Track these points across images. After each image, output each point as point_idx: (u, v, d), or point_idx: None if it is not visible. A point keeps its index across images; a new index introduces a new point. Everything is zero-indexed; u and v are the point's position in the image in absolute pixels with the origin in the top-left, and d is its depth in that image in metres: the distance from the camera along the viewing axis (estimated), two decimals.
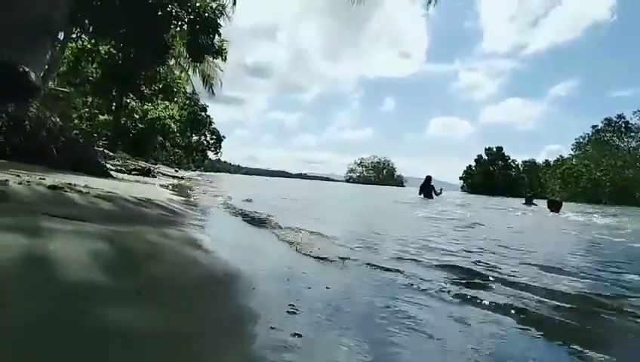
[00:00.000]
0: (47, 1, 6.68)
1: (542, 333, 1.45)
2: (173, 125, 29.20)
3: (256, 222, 4.10)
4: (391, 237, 3.83)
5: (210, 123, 50.32)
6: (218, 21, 14.58)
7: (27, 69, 6.02)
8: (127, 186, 5.58)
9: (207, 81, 19.82)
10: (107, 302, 1.22)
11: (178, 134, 34.26)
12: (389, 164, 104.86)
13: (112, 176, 6.87)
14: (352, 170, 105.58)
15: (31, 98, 6.11)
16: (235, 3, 15.00)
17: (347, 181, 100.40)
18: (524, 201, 15.51)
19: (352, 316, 1.53)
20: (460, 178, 72.75)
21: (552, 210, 11.92)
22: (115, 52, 17.37)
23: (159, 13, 12.85)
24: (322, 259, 2.46)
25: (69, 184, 3.59)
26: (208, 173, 39.60)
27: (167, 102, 26.81)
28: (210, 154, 54.14)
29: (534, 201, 15.12)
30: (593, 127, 54.35)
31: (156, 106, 26.66)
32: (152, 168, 12.93)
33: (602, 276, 2.51)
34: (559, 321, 1.58)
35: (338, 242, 3.19)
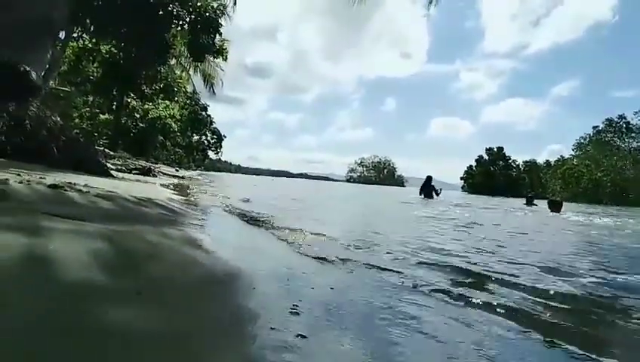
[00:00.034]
0: (47, 1, 6.69)
1: (542, 335, 1.45)
2: (173, 125, 29.23)
3: (257, 222, 4.10)
4: (391, 238, 3.83)
5: (211, 122, 50.39)
6: (219, 21, 14.60)
7: (28, 69, 6.02)
8: (127, 186, 5.58)
9: (207, 80, 19.84)
10: (107, 301, 1.21)
11: (179, 134, 34.29)
12: (389, 164, 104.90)
13: (112, 176, 6.87)
14: (352, 170, 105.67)
15: (32, 97, 6.12)
16: (235, 3, 15.02)
17: (348, 181, 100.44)
18: (524, 202, 15.50)
19: (352, 316, 1.53)
20: (461, 178, 72.78)
21: (552, 210, 11.93)
22: (116, 51, 17.39)
23: (160, 12, 12.86)
24: (322, 259, 2.45)
25: (70, 183, 3.59)
26: (209, 173, 39.60)
27: (167, 102, 26.83)
28: (211, 154, 54.22)
29: (535, 202, 15.11)
30: (594, 127, 54.38)
31: (157, 106, 26.68)
32: (152, 167, 12.94)
33: (602, 277, 2.51)
34: (559, 323, 1.58)
35: (338, 242, 3.19)
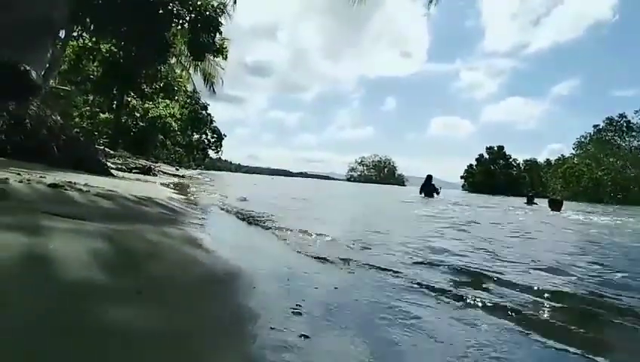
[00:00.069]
0: (47, 0, 6.68)
1: (542, 336, 1.44)
2: (174, 124, 29.20)
3: (257, 221, 4.09)
4: (392, 237, 3.83)
5: (211, 121, 50.33)
6: (219, 20, 14.56)
7: (28, 68, 6.02)
8: (127, 185, 5.58)
9: (208, 79, 19.80)
10: (107, 301, 1.21)
11: (179, 133, 34.26)
12: (390, 163, 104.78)
13: (112, 175, 6.87)
14: (352, 169, 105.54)
15: (32, 96, 6.11)
16: (235, 2, 14.98)
17: (348, 180, 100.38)
18: (525, 201, 15.50)
19: (353, 316, 1.53)
20: (461, 177, 72.71)
21: (552, 209, 11.95)
22: (116, 50, 17.37)
23: (160, 11, 12.84)
24: (322, 259, 2.45)
25: (70, 182, 3.59)
26: (209, 172, 39.58)
27: (168, 101, 26.81)
28: (211, 153, 54.17)
29: (535, 201, 15.11)
30: (595, 126, 54.31)
31: (157, 105, 26.65)
32: (152, 166, 12.93)
33: (602, 277, 2.51)
34: (559, 323, 1.58)
35: (338, 242, 3.18)
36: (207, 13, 14.18)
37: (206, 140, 51.54)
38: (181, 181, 12.01)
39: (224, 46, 16.53)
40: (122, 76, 17.86)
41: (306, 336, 1.22)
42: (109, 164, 8.58)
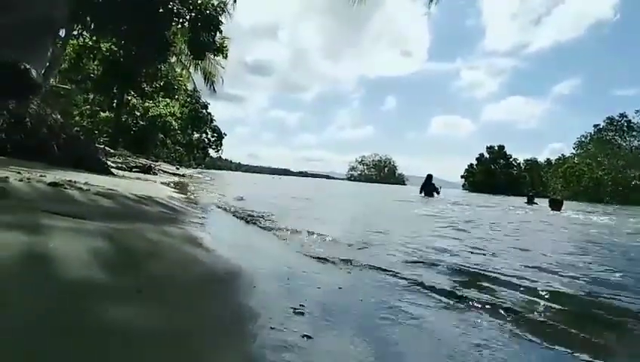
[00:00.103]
0: (47, 0, 6.67)
1: (542, 337, 1.44)
2: (174, 122, 29.21)
3: (257, 221, 4.09)
4: (392, 237, 3.83)
5: (212, 120, 50.27)
6: (219, 19, 14.54)
7: (28, 67, 6.02)
8: (127, 183, 5.58)
9: (208, 78, 19.78)
10: (107, 299, 1.21)
11: (179, 132, 34.26)
12: (390, 162, 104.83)
13: (112, 174, 6.88)
14: (353, 168, 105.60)
15: (32, 95, 6.11)
16: (235, 1, 14.97)
17: (348, 179, 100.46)
18: (525, 200, 15.51)
19: (352, 316, 1.53)
20: (462, 176, 72.74)
21: (553, 209, 11.98)
22: (116, 49, 17.36)
23: (161, 10, 12.81)
24: (322, 259, 2.45)
25: (70, 181, 3.59)
26: (209, 171, 39.59)
27: (168, 100, 26.80)
28: (211, 152, 54.15)
29: (536, 200, 15.12)
30: (595, 125, 54.32)
31: (157, 104, 26.65)
32: (152, 165, 12.95)
33: (602, 277, 2.50)
34: (558, 325, 1.57)
35: (338, 242, 3.18)
36: (208, 12, 14.16)
37: (206, 139, 51.55)
38: (181, 180, 12.02)
39: (224, 45, 16.51)
40: (122, 75, 17.86)
41: (309, 336, 1.22)
42: (109, 162, 8.58)
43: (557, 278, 2.35)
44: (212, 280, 1.76)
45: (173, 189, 6.96)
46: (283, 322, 1.31)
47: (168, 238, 2.35)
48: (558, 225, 6.98)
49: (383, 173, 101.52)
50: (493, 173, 66.32)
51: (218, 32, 14.92)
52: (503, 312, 1.67)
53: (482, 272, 2.37)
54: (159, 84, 21.15)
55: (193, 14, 14.00)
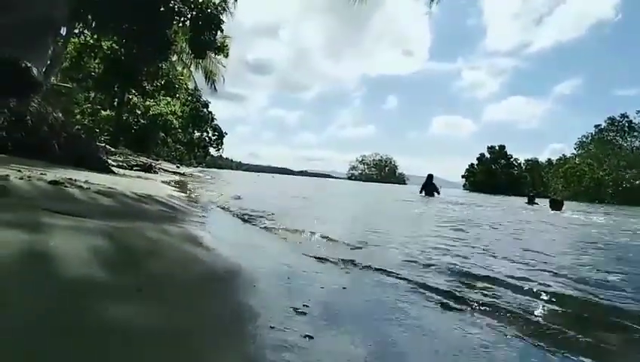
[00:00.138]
0: (47, 1, 6.67)
1: (541, 339, 1.44)
2: (175, 121, 29.22)
3: (257, 220, 4.09)
4: (392, 237, 3.83)
5: (212, 119, 50.24)
6: (220, 17, 14.54)
7: (29, 65, 6.02)
8: (128, 182, 5.58)
9: (209, 77, 19.80)
10: (107, 298, 1.21)
11: (180, 130, 34.26)
12: (391, 162, 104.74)
13: (113, 172, 6.88)
14: (353, 168, 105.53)
15: (33, 93, 6.11)
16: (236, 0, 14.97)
17: (349, 178, 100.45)
18: (526, 201, 15.51)
19: (352, 317, 1.53)
20: (462, 176, 72.68)
21: (553, 209, 12.00)
22: (117, 48, 17.37)
23: (162, 9, 12.82)
24: (322, 259, 2.45)
25: (70, 179, 3.59)
26: (210, 170, 39.60)
27: (169, 99, 26.81)
28: (212, 151, 54.13)
29: (536, 201, 15.13)
30: (596, 126, 54.32)
31: (158, 102, 26.66)
32: (153, 164, 12.96)
33: (601, 278, 2.50)
34: (558, 326, 1.56)
35: (338, 242, 3.18)
36: (209, 10, 14.16)
37: (207, 138, 51.54)
38: (182, 179, 12.02)
39: (225, 44, 16.53)
40: (123, 73, 17.86)
41: (310, 336, 1.22)
42: (109, 161, 8.59)
43: (557, 279, 2.35)
44: (212, 279, 1.76)
45: (173, 188, 6.96)
46: (283, 321, 1.31)
47: (168, 237, 2.35)
48: (559, 225, 6.98)
49: (383, 172, 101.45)
50: (493, 173, 66.25)
51: (219, 31, 14.94)
52: (502, 313, 1.66)
53: (482, 273, 2.37)
54: (160, 83, 21.15)
55: (194, 13, 14.01)
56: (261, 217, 4.22)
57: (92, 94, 24.05)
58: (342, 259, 2.44)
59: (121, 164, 10.46)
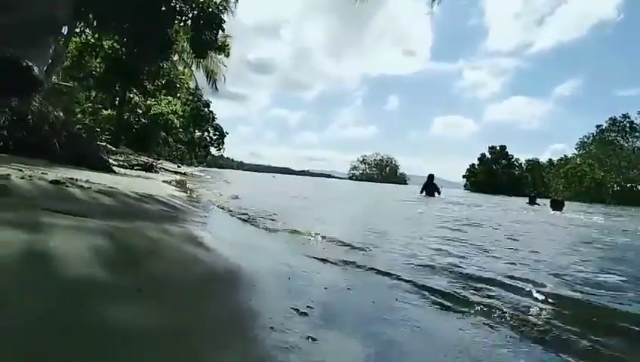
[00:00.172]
0: (48, 0, 6.68)
1: (541, 340, 1.44)
2: (176, 121, 29.22)
3: (257, 221, 4.09)
4: (392, 238, 3.82)
5: (213, 119, 50.32)
6: (222, 17, 14.54)
7: (30, 64, 6.03)
8: (129, 182, 5.59)
9: (210, 76, 19.80)
10: (107, 298, 1.21)
11: (181, 130, 34.28)
12: (392, 162, 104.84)
13: (114, 172, 6.89)
14: (354, 168, 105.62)
15: (34, 92, 6.13)
16: None
17: (350, 178, 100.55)
18: (527, 201, 15.50)
19: (352, 317, 1.53)
20: (463, 176, 72.68)
21: (554, 209, 12.00)
22: (118, 47, 17.38)
23: (163, 8, 12.82)
24: (322, 259, 2.44)
25: (71, 179, 3.60)
26: (211, 169, 39.63)
27: (170, 98, 26.83)
28: (213, 151, 54.21)
29: (537, 201, 15.11)
30: (597, 126, 54.28)
31: (159, 102, 26.69)
32: (154, 164, 12.97)
33: (601, 278, 2.49)
34: (558, 327, 1.56)
35: (338, 242, 3.17)
36: (210, 10, 14.16)
37: (208, 138, 51.63)
38: (183, 178, 12.03)
39: (226, 43, 16.55)
40: (125, 73, 17.90)
41: (313, 339, 1.22)
42: (110, 160, 8.60)
43: (557, 280, 2.35)
44: (212, 280, 1.76)
45: (174, 187, 6.97)
46: (283, 322, 1.31)
47: (168, 237, 2.35)
48: (559, 225, 6.97)
49: (384, 172, 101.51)
50: (494, 174, 66.23)
51: (220, 30, 14.93)
52: (502, 314, 1.66)
53: (483, 274, 2.37)
54: (161, 82, 21.19)
55: (195, 12, 14.00)
56: (261, 217, 4.22)
57: (93, 93, 24.08)
58: (342, 260, 2.44)
59: (122, 163, 10.48)
